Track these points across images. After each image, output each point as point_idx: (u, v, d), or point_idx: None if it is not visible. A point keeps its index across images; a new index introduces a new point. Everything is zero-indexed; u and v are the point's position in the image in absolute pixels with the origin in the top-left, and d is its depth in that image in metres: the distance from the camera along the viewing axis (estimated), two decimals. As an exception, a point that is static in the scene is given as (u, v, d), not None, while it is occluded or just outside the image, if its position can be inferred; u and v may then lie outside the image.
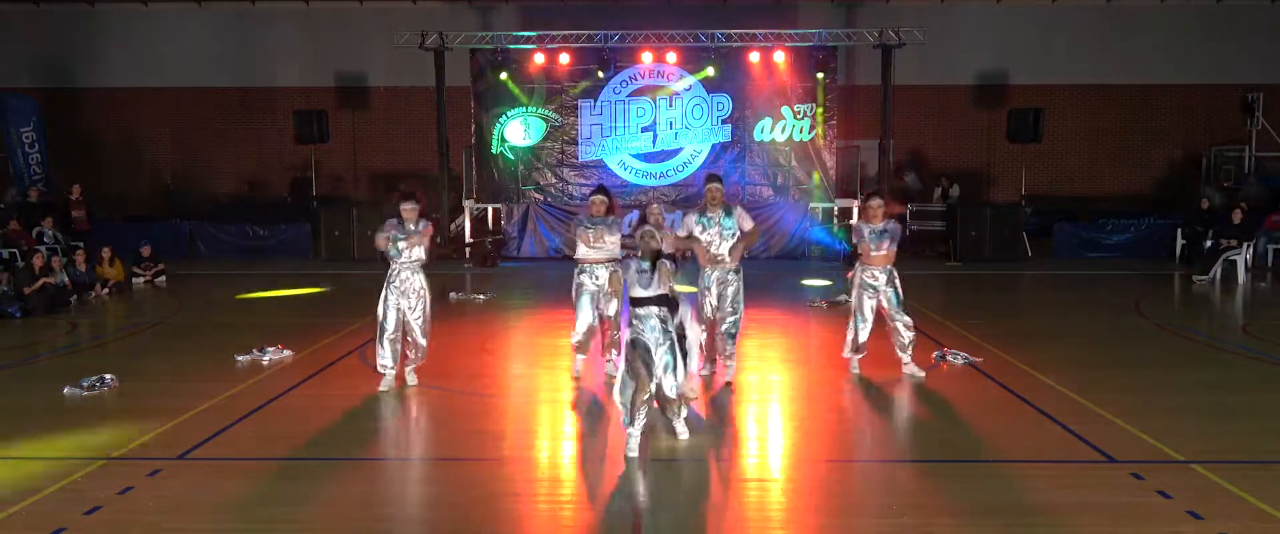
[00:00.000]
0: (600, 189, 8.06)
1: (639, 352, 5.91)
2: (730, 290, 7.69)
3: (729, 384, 7.73)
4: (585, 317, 7.80)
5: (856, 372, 8.06)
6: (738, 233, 7.67)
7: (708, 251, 7.63)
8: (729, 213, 7.68)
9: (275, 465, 5.84)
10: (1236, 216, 14.70)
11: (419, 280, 7.59)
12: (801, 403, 7.50)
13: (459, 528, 4.85)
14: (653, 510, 5.04)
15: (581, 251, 7.85)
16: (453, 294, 12.96)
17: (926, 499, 5.15)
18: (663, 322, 5.93)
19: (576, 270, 7.95)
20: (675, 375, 5.90)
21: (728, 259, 7.63)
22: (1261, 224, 15.86)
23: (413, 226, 7.51)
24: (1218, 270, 14.25)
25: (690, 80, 17.03)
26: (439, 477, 5.62)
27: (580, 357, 7.99)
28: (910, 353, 7.96)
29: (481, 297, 12.76)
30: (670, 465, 5.81)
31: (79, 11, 20.87)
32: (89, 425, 6.63)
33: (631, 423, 5.83)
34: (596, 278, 7.76)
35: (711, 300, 7.70)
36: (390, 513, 5.06)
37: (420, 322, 7.59)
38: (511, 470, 5.84)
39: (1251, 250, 14.75)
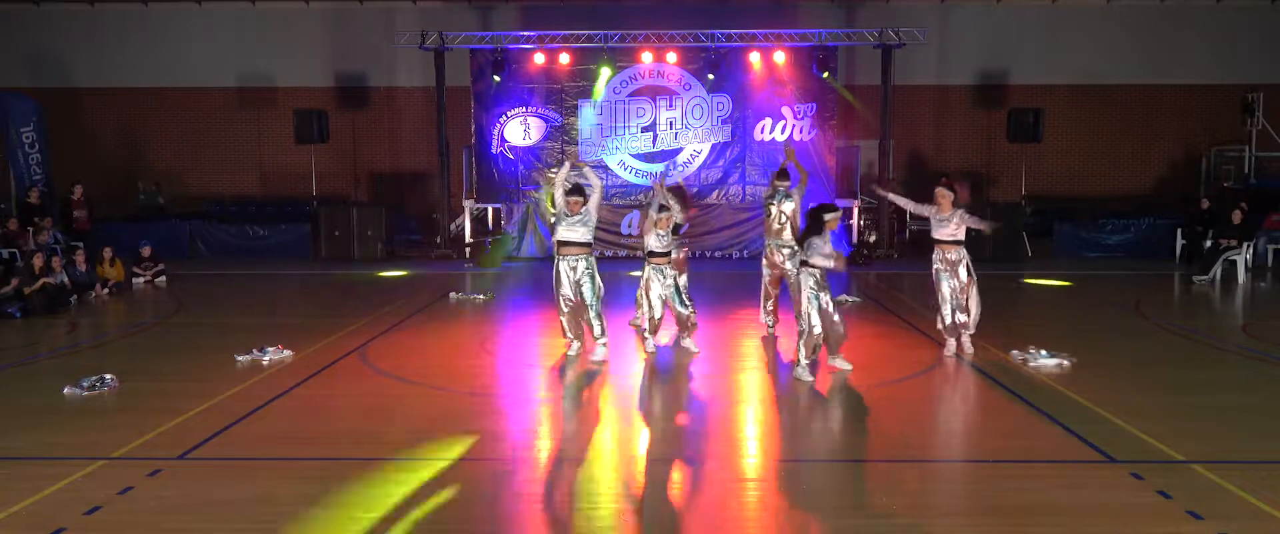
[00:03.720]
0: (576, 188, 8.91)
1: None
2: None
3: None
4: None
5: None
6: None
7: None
8: (788, 196, 8.87)
9: (275, 465, 5.84)
10: (1236, 217, 14.71)
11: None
12: (800, 402, 7.50)
13: (459, 528, 4.85)
14: (652, 510, 5.04)
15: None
16: (453, 294, 12.96)
17: (926, 499, 5.15)
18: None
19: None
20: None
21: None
22: (1261, 224, 15.87)
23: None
24: (1218, 270, 14.26)
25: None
26: (439, 477, 5.61)
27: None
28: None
29: (481, 296, 12.76)
30: (670, 465, 5.81)
31: (79, 11, 20.87)
32: (89, 425, 6.63)
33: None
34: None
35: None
36: (390, 513, 5.06)
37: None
38: (511, 470, 5.84)
39: (1251, 250, 14.76)
